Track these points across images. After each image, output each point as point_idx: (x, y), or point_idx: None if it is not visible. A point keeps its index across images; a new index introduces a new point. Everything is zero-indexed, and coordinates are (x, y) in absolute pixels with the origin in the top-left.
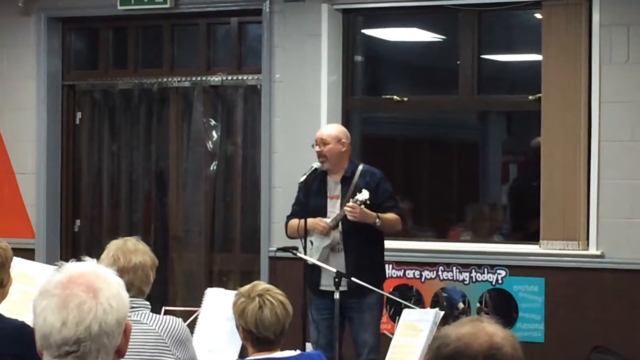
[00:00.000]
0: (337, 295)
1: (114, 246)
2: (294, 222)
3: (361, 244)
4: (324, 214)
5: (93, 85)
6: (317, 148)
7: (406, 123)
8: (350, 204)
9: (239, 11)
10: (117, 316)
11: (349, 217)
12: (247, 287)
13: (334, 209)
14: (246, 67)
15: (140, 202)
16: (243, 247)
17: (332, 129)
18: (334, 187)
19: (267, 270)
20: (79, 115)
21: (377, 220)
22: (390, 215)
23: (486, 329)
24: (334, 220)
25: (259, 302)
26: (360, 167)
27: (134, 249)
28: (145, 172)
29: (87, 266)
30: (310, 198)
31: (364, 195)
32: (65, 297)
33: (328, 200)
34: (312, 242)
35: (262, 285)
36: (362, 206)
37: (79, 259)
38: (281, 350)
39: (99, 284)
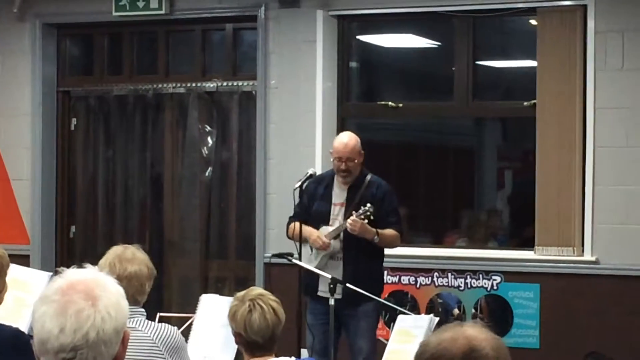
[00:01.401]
0: (332, 302)
1: (112, 253)
2: (294, 225)
3: (360, 255)
4: (326, 219)
5: (88, 91)
6: (342, 166)
7: (401, 129)
8: (353, 217)
9: (234, 17)
10: (116, 325)
11: (349, 230)
12: (243, 292)
13: (337, 215)
14: (241, 73)
15: (136, 208)
16: (238, 254)
17: (355, 144)
18: (340, 194)
19: (262, 276)
20: (74, 121)
21: (376, 237)
22: (390, 232)
23: (466, 333)
24: (335, 230)
25: (249, 305)
26: (369, 177)
27: (131, 257)
28: (140, 178)
29: (87, 273)
30: (315, 202)
31: (368, 209)
32: (64, 303)
33: (332, 206)
34: (311, 249)
35: (257, 290)
36: (366, 220)
37: (77, 265)
38: (276, 356)
39: (98, 292)
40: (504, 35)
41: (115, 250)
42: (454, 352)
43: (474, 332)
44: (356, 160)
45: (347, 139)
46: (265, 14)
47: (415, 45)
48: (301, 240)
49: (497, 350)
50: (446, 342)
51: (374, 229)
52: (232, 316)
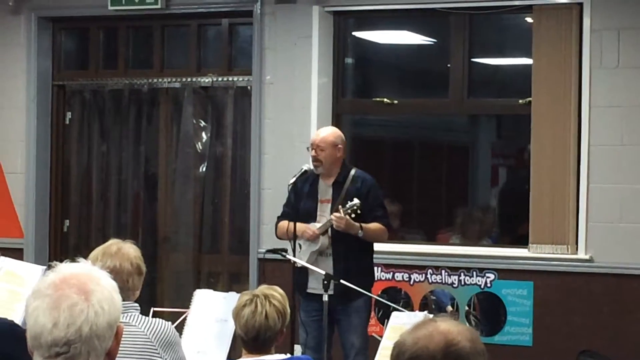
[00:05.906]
0: (325, 298)
1: (100, 247)
2: (284, 223)
3: (350, 250)
4: (313, 217)
5: (83, 85)
6: (312, 152)
7: (396, 126)
8: (339, 214)
9: (230, 12)
10: (109, 319)
11: (334, 226)
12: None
13: (324, 212)
14: (236, 69)
15: (129, 203)
16: (232, 249)
17: (329, 135)
18: (325, 190)
19: (256, 272)
20: (68, 115)
21: (360, 231)
22: (375, 226)
23: (440, 328)
24: (323, 226)
25: (247, 300)
26: (353, 171)
27: (114, 252)
28: (134, 173)
29: (80, 267)
30: (301, 200)
31: (355, 204)
32: (57, 298)
33: (319, 203)
34: (300, 246)
35: (270, 289)
36: (353, 215)
37: (70, 260)
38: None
39: (91, 286)
40: (499, 33)
41: (104, 245)
42: (432, 349)
43: (448, 326)
44: (327, 151)
45: (323, 129)
46: (261, 10)
47: (410, 42)
48: (295, 238)
49: (472, 340)
50: (423, 340)
51: (357, 224)
52: (235, 306)
